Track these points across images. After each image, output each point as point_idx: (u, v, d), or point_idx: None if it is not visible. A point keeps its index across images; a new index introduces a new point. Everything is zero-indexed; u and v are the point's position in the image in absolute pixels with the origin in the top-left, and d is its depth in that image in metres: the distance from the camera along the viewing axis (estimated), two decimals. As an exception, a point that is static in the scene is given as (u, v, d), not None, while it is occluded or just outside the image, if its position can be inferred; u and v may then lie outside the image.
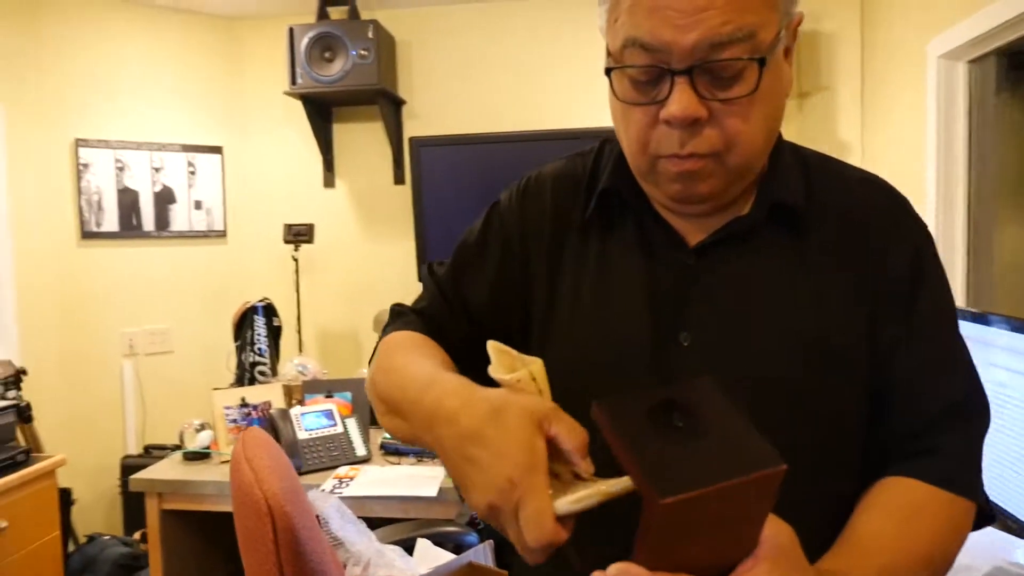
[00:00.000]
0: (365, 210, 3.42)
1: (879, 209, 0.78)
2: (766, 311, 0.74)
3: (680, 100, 0.66)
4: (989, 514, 0.77)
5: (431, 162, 3.18)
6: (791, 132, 3.09)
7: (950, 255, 2.30)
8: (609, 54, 0.72)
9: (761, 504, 0.54)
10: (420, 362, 0.76)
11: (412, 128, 3.33)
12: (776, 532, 0.56)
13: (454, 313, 0.87)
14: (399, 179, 3.38)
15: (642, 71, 0.68)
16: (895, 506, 0.71)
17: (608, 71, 0.71)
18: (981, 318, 1.53)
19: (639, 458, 0.51)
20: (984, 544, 1.36)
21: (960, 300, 2.29)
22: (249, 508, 1.12)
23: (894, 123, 2.67)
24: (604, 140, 0.87)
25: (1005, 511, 1.59)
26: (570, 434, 0.58)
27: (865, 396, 0.74)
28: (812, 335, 0.73)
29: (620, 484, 0.57)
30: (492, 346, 0.66)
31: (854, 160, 2.95)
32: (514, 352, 0.66)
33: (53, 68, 3.06)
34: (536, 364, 0.65)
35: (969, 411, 0.75)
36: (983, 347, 1.57)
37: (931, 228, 2.29)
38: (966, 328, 1.48)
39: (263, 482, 1.12)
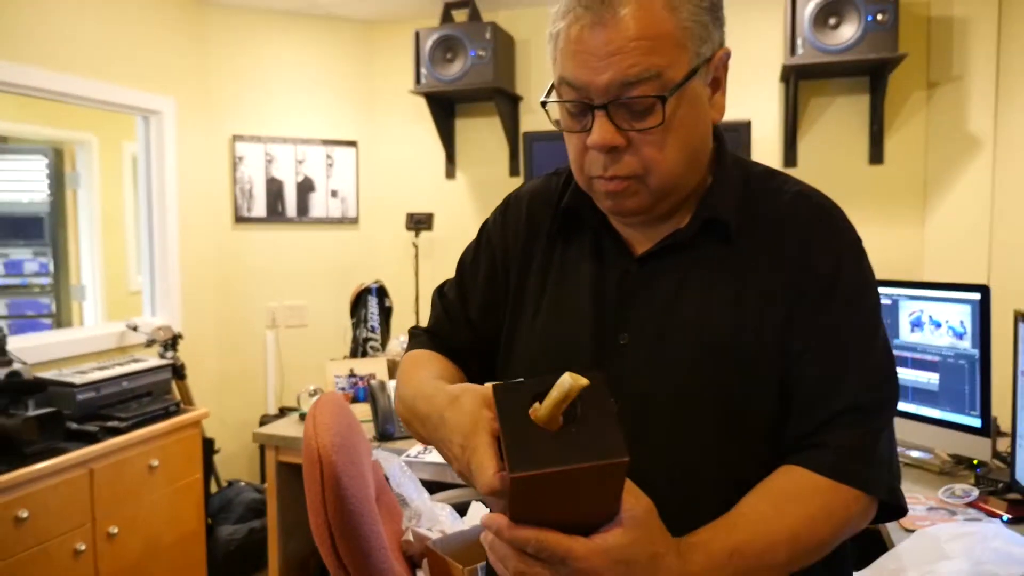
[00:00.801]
0: (482, 200, 3.62)
1: (807, 221, 0.84)
2: (693, 314, 0.83)
3: (599, 130, 0.77)
4: (898, 507, 0.81)
5: (543, 155, 3.31)
6: (918, 124, 2.94)
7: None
8: (549, 90, 0.83)
9: (612, 484, 0.64)
10: (417, 378, 0.90)
11: (528, 123, 3.48)
12: (634, 504, 0.66)
13: (456, 326, 1.01)
14: (514, 171, 3.54)
15: (571, 105, 0.79)
16: (774, 489, 0.77)
17: (544, 103, 0.83)
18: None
19: (506, 436, 0.63)
20: (1012, 553, 1.32)
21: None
22: (308, 455, 1.32)
23: (1025, 117, 2.47)
24: None
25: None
26: None
27: (775, 393, 0.80)
28: (728, 337, 0.80)
29: None
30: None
31: (984, 155, 2.77)
32: None
33: (216, 70, 3.50)
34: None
35: (869, 409, 0.79)
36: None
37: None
38: None
39: (319, 435, 1.32)
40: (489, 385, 0.72)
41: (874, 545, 1.55)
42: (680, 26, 0.74)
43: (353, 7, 3.50)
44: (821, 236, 0.83)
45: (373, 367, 2.69)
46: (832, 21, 2.70)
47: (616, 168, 0.79)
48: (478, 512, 1.70)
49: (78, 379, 2.51)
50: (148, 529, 2.55)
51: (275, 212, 3.64)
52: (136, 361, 2.82)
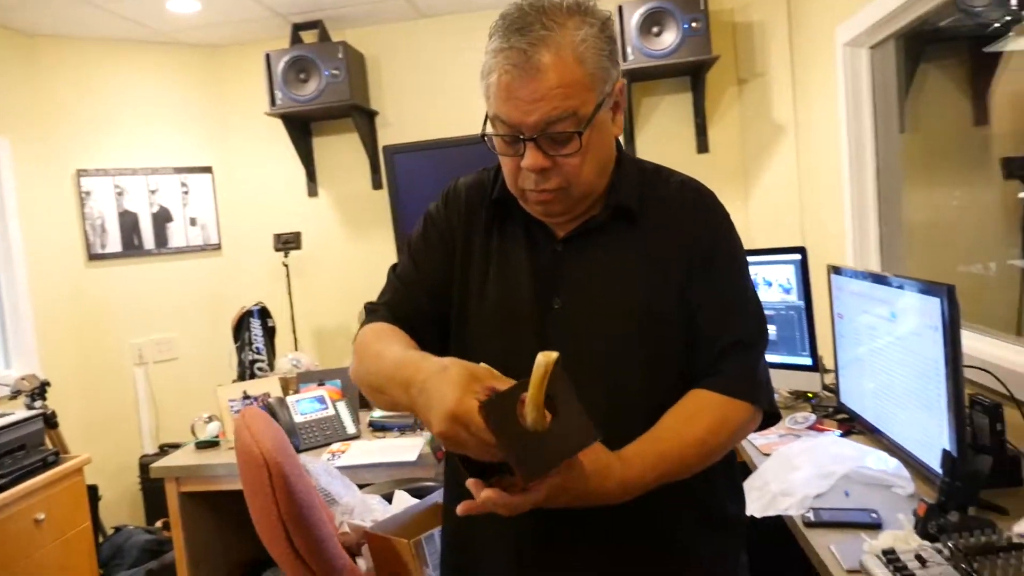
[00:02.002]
0: (347, 215, 3.70)
1: (689, 204, 1.08)
2: (611, 283, 1.05)
3: (530, 158, 0.97)
4: (773, 414, 1.07)
5: (405, 167, 3.45)
6: (734, 116, 3.37)
7: (863, 220, 2.58)
8: (487, 117, 1.01)
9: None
10: (391, 348, 1.02)
11: (385, 136, 3.61)
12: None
13: (413, 292, 1.13)
14: (377, 184, 3.65)
15: (505, 136, 0.98)
16: (682, 408, 1.00)
17: (482, 135, 1.01)
18: (880, 278, 1.82)
19: (510, 452, 0.79)
20: (843, 453, 1.65)
21: (875, 262, 2.57)
22: (250, 463, 1.40)
23: (817, 105, 2.94)
24: None
25: (867, 422, 1.89)
26: (502, 384, 0.84)
27: (682, 343, 1.03)
28: (640, 301, 1.03)
29: None
30: None
31: (788, 139, 3.23)
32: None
33: (51, 104, 3.34)
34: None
35: (748, 342, 1.04)
36: (871, 301, 1.86)
37: (846, 199, 2.58)
38: (865, 286, 1.78)
39: (259, 442, 1.41)
40: (468, 364, 0.85)
41: (745, 471, 1.85)
42: (588, 73, 0.94)
43: (198, 33, 3.47)
44: (701, 215, 1.07)
45: (266, 387, 2.72)
46: (655, 29, 3.05)
47: (545, 184, 0.99)
48: (404, 499, 1.83)
49: (-57, 440, 2.35)
50: (41, 586, 2.44)
51: (131, 246, 3.52)
52: (2, 416, 2.66)
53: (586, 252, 1.06)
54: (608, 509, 0.98)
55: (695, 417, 0.99)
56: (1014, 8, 2.11)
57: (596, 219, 1.06)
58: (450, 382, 0.82)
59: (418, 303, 1.12)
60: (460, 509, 0.86)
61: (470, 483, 0.85)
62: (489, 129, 1.00)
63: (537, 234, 1.09)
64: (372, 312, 1.15)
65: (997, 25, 2.25)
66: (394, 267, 1.20)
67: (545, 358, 0.78)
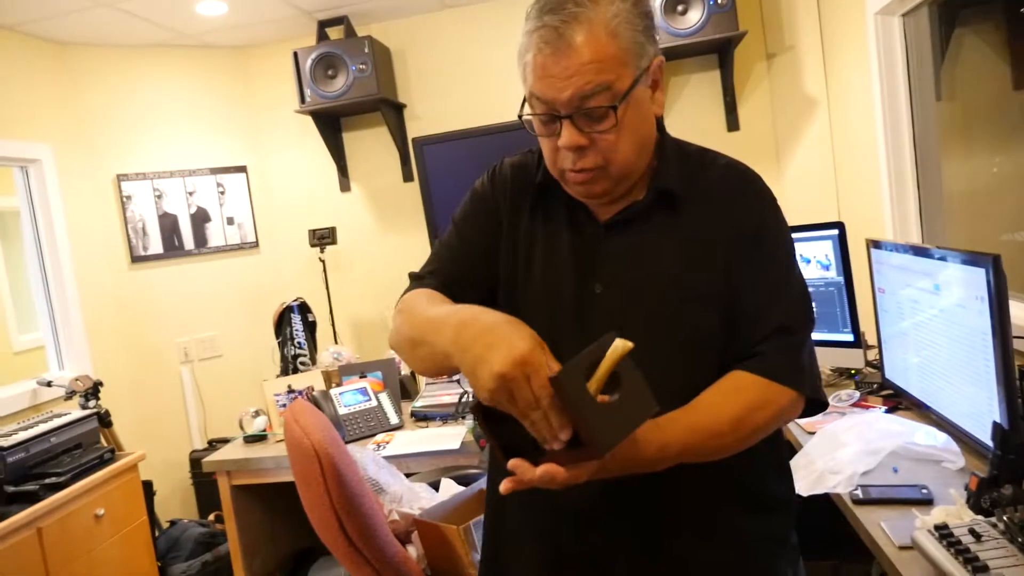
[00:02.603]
0: (380, 209, 3.74)
1: (735, 187, 1.07)
2: (651, 267, 1.04)
3: (566, 135, 0.97)
4: (820, 402, 1.05)
5: (435, 158, 3.47)
6: (763, 92, 3.33)
7: (902, 192, 2.53)
8: (524, 99, 1.02)
9: None
10: (439, 305, 1.02)
11: (414, 129, 3.63)
12: None
13: (458, 260, 1.14)
14: (408, 177, 3.68)
15: (541, 116, 0.99)
16: (722, 385, 0.99)
17: (520, 115, 1.02)
18: (922, 251, 1.80)
19: (584, 422, 0.79)
20: (890, 429, 1.64)
21: (915, 234, 2.53)
22: (301, 455, 1.44)
23: (848, 77, 2.89)
24: None
25: (913, 397, 1.86)
26: (553, 363, 0.83)
27: (720, 322, 1.02)
28: (682, 287, 1.02)
29: None
30: None
31: (821, 113, 3.18)
32: None
33: (88, 111, 3.42)
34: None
35: (794, 327, 1.03)
36: (913, 274, 1.84)
37: (883, 172, 2.53)
38: (906, 259, 1.76)
39: (309, 434, 1.44)
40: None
41: (790, 451, 1.85)
42: (621, 48, 0.95)
43: (225, 34, 3.52)
44: (747, 198, 1.07)
45: (309, 380, 2.77)
46: (680, 8, 3.02)
47: (583, 162, 0.99)
48: (450, 487, 1.86)
49: (4, 442, 2.44)
50: (104, 578, 2.53)
51: (172, 247, 3.60)
52: (58, 416, 2.75)
53: (628, 237, 1.06)
54: (647, 492, 1.00)
55: (732, 395, 0.98)
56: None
57: (639, 204, 1.06)
58: (524, 332, 0.81)
59: (463, 274, 1.12)
60: (504, 487, 0.83)
61: (516, 463, 0.82)
62: (527, 111, 1.01)
63: (580, 218, 1.09)
64: (418, 279, 1.15)
65: None
66: (439, 239, 1.21)
67: (623, 345, 0.81)
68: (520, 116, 1.01)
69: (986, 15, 2.50)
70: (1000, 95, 2.50)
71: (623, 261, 1.05)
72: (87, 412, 2.83)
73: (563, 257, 1.08)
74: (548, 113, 0.97)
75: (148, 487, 3.02)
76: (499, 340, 0.80)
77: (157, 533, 3.14)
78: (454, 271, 1.13)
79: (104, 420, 2.92)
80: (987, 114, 2.55)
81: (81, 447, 2.72)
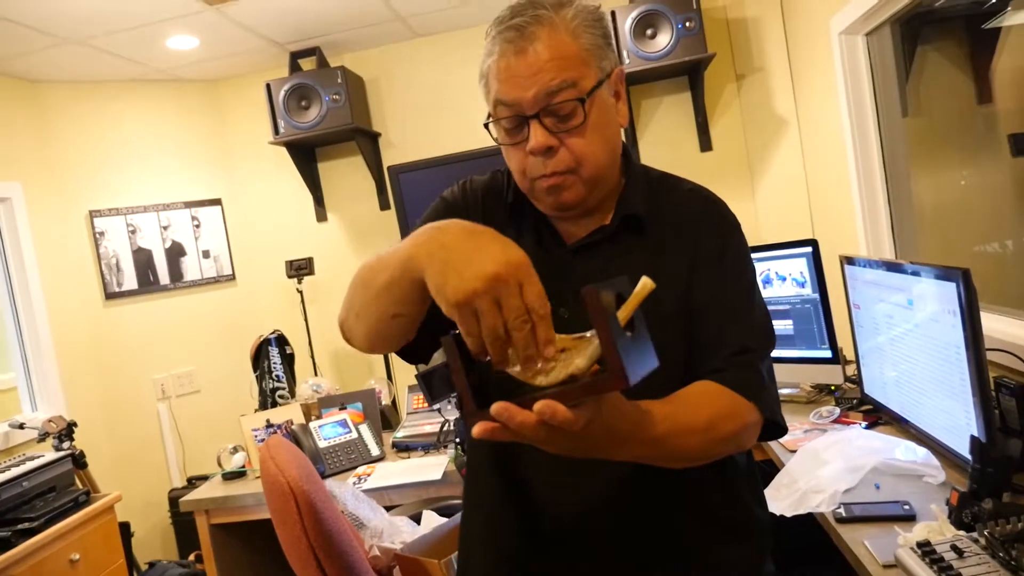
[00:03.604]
0: (357, 237, 3.72)
1: (698, 211, 1.08)
2: None
3: (535, 136, 0.96)
4: (779, 426, 1.03)
5: (411, 186, 3.47)
6: (735, 112, 3.37)
7: (873, 208, 2.56)
8: (488, 116, 1.02)
9: None
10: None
11: (390, 157, 3.63)
12: None
13: None
14: (384, 205, 3.67)
15: (508, 120, 0.99)
16: (693, 388, 0.97)
17: (486, 124, 1.02)
18: (894, 266, 1.81)
19: (612, 348, 0.71)
20: (871, 446, 1.64)
21: (888, 250, 2.56)
22: (277, 493, 1.41)
23: (817, 96, 2.93)
24: None
25: (892, 412, 1.87)
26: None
27: (683, 341, 1.02)
28: (648, 310, 1.00)
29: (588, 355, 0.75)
30: None
31: (791, 132, 3.22)
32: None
33: (59, 147, 3.39)
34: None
35: (753, 348, 1.02)
36: (887, 289, 1.85)
37: (854, 188, 2.56)
38: (879, 275, 1.77)
39: (284, 471, 1.41)
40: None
41: (772, 469, 1.84)
42: (583, 48, 0.96)
43: (197, 68, 3.51)
44: (711, 221, 1.07)
45: (288, 414, 2.74)
46: (649, 32, 3.06)
47: (554, 165, 0.98)
48: (432, 519, 1.83)
49: (-26, 488, 2.38)
50: (79, 626, 2.46)
51: (147, 282, 3.56)
52: (31, 459, 2.69)
53: (595, 261, 1.05)
54: (616, 517, 0.98)
55: (704, 398, 0.95)
56: (1010, -16, 2.10)
57: (606, 228, 1.06)
58: (509, 241, 0.76)
59: None
60: (478, 430, 0.71)
61: (502, 406, 0.70)
62: (493, 131, 1.01)
63: (549, 242, 1.09)
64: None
65: (994, 1, 2.24)
66: None
67: (649, 283, 0.76)
68: (487, 124, 1.01)
69: (948, 33, 2.55)
70: (965, 110, 2.55)
71: (590, 284, 1.04)
72: (61, 454, 2.76)
73: None
74: (515, 115, 0.97)
75: (125, 528, 2.95)
76: (490, 241, 0.75)
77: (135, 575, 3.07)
78: None
79: (79, 461, 2.85)
80: (953, 129, 2.59)
81: (55, 490, 2.65)
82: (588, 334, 0.76)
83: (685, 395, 0.95)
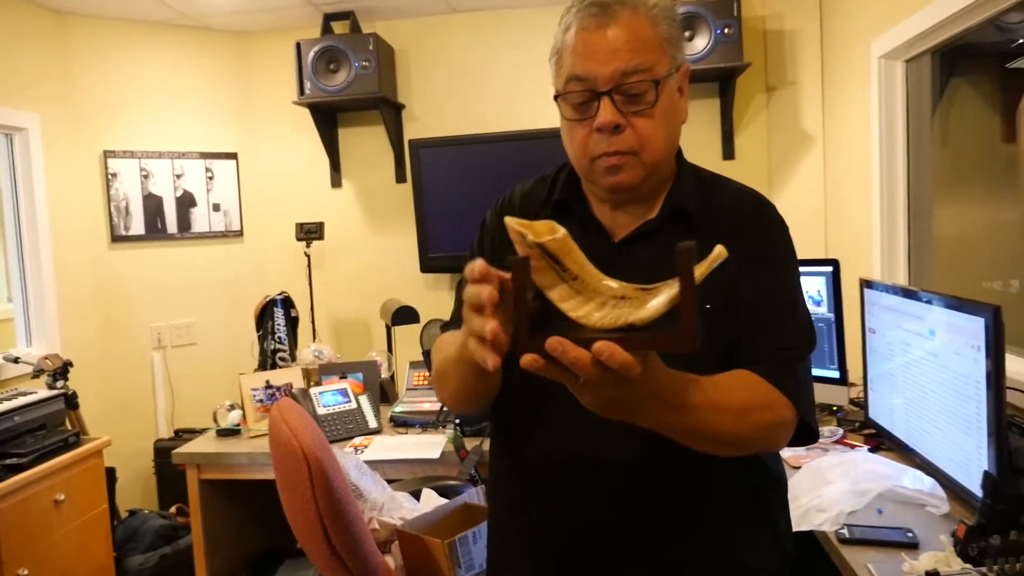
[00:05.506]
0: (370, 207, 3.70)
1: (747, 211, 1.08)
2: None
3: (604, 112, 0.97)
4: (811, 431, 1.03)
5: (429, 162, 3.45)
6: (761, 124, 3.36)
7: (893, 235, 2.57)
8: (556, 92, 1.02)
9: None
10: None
11: (411, 131, 3.60)
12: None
13: None
14: (400, 178, 3.65)
15: (579, 95, 0.99)
16: (731, 374, 0.95)
17: (556, 97, 1.03)
18: (915, 294, 1.81)
19: (690, 305, 0.72)
20: (878, 471, 1.65)
21: (902, 276, 2.56)
22: (288, 457, 1.40)
23: (847, 116, 2.93)
24: (561, 166, 1.16)
25: (896, 438, 1.87)
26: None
27: (721, 340, 0.99)
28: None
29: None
30: (510, 221, 0.82)
31: (816, 149, 3.22)
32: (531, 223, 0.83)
33: (80, 83, 3.34)
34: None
35: (793, 347, 1.01)
36: (904, 316, 1.85)
37: (875, 213, 2.55)
38: (898, 301, 1.77)
39: (298, 436, 1.41)
40: None
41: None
42: (660, 36, 0.98)
43: (228, 18, 3.47)
44: (760, 222, 1.07)
45: (288, 376, 2.72)
46: (688, 34, 3.04)
47: (618, 144, 0.98)
48: (431, 498, 1.83)
49: (-33, 418, 2.36)
50: (59, 566, 2.45)
51: (155, 229, 3.53)
52: (24, 394, 2.67)
53: (642, 255, 1.05)
54: (653, 523, 0.99)
55: (744, 382, 0.94)
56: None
57: (653, 221, 1.06)
58: None
59: None
60: (527, 360, 0.72)
61: (557, 340, 0.71)
62: (561, 108, 1.02)
63: (595, 237, 1.09)
64: (443, 328, 1.17)
65: (1022, 41, 2.23)
66: (459, 282, 1.20)
67: (723, 250, 0.76)
68: (557, 94, 1.02)
69: (982, 67, 2.55)
70: (990, 146, 2.55)
71: (635, 279, 1.04)
72: (54, 392, 2.75)
73: None
74: (587, 90, 0.98)
75: (111, 474, 2.94)
76: None
77: (116, 522, 3.06)
78: None
79: (71, 402, 2.83)
80: (977, 164, 2.60)
81: (45, 428, 2.64)
82: (650, 287, 0.78)
83: (724, 377, 0.94)
